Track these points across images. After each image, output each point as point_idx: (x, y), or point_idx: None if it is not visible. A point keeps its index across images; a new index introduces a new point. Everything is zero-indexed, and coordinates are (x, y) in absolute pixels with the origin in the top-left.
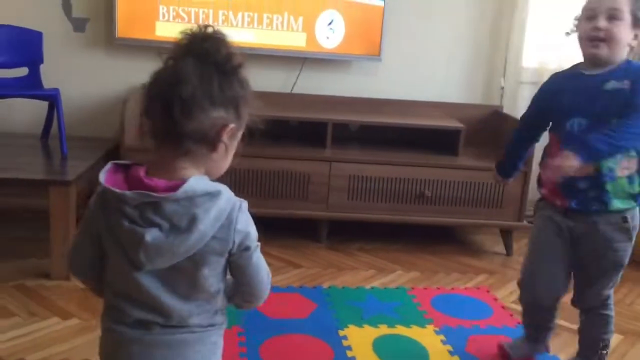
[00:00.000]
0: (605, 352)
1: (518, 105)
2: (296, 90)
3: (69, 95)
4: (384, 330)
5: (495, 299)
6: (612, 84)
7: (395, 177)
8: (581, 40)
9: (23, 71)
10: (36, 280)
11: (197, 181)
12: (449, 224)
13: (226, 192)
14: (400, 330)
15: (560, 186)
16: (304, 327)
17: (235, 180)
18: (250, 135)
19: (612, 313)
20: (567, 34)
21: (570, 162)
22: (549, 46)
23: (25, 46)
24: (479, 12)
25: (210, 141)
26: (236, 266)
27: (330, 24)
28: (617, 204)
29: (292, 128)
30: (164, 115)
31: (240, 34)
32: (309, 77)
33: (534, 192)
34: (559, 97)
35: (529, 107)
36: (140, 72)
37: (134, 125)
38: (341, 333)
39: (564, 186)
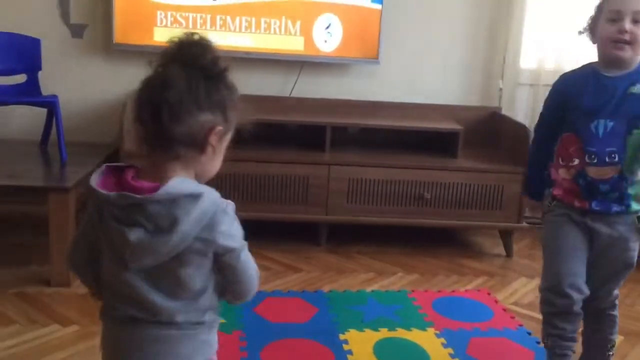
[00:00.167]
0: (612, 353)
1: (516, 107)
2: (294, 94)
3: (67, 102)
4: (384, 333)
5: (496, 301)
6: (636, 88)
7: (394, 179)
8: (604, 41)
9: (21, 78)
10: (36, 287)
11: (178, 183)
12: (449, 226)
13: (210, 194)
14: (401, 333)
15: (582, 188)
16: (305, 332)
17: (234, 184)
18: (249, 139)
19: (618, 313)
20: (580, 32)
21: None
22: (547, 47)
23: (23, 53)
24: (477, 13)
25: (199, 144)
26: (225, 266)
27: (327, 27)
28: (635, 206)
29: (290, 132)
30: (153, 120)
31: (238, 38)
32: (307, 81)
33: None
34: (578, 97)
35: (543, 114)
36: (138, 77)
37: (133, 131)
38: (342, 337)
39: (584, 188)
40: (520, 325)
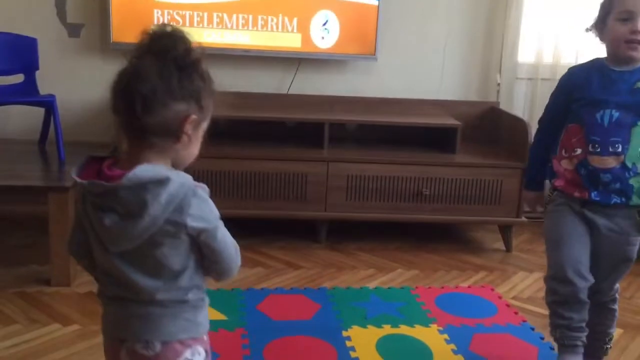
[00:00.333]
0: (609, 346)
1: (514, 101)
2: (292, 91)
3: (65, 101)
4: (387, 330)
5: (500, 297)
6: None
7: (393, 175)
8: (616, 42)
9: (19, 78)
10: (36, 287)
11: (145, 168)
12: (448, 222)
13: (178, 179)
14: (404, 330)
15: (583, 177)
16: (308, 329)
17: (232, 182)
18: (248, 136)
19: (617, 307)
20: (587, 30)
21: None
22: (544, 41)
23: (20, 53)
24: (474, 8)
25: (174, 133)
26: (203, 245)
27: (325, 24)
28: (636, 200)
29: (289, 129)
30: (128, 111)
31: (235, 36)
32: (304, 78)
33: None
34: (586, 89)
35: (549, 106)
36: None
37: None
38: (345, 334)
39: (586, 177)
40: (524, 321)
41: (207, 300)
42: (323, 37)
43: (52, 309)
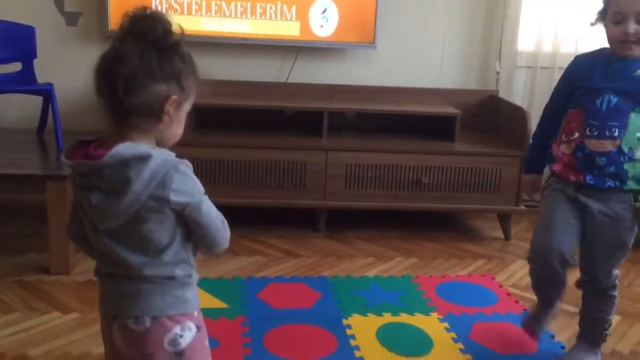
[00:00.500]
0: (608, 332)
1: (514, 90)
2: (291, 80)
3: (63, 90)
4: (387, 318)
5: (500, 286)
6: None
7: (392, 164)
8: (612, 41)
9: (16, 66)
10: (36, 275)
11: (127, 146)
12: (447, 210)
13: (160, 155)
14: (404, 318)
15: (580, 160)
16: (308, 317)
17: (231, 171)
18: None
19: (617, 294)
20: (592, 24)
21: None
22: (544, 29)
23: (18, 41)
24: None
25: (155, 114)
26: (189, 219)
27: (323, 12)
28: (631, 184)
29: (288, 118)
30: (110, 93)
31: (233, 24)
32: (303, 66)
33: None
34: (589, 76)
35: (554, 93)
36: None
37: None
38: (345, 322)
39: (582, 160)
40: (525, 310)
41: (195, 277)
42: (322, 26)
43: (51, 297)
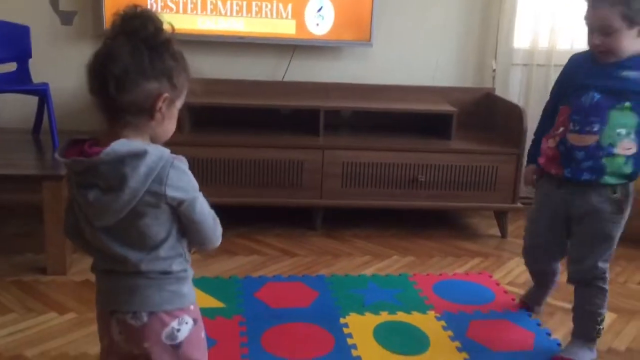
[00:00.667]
0: (601, 327)
1: (510, 87)
2: (287, 78)
3: (58, 89)
4: (385, 317)
5: (497, 284)
6: (629, 73)
7: (388, 162)
8: (590, 47)
9: (11, 66)
10: (32, 276)
11: (122, 143)
12: (443, 208)
13: (156, 151)
14: (401, 317)
15: (561, 154)
16: (306, 316)
17: (228, 170)
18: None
19: (607, 287)
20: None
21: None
22: (540, 27)
23: (12, 41)
24: None
25: (147, 111)
26: (182, 216)
27: (319, 10)
28: (608, 179)
29: (284, 116)
30: (103, 91)
31: (229, 23)
32: (299, 65)
33: None
34: (578, 74)
35: (552, 90)
36: None
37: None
38: (342, 321)
39: (563, 154)
40: (521, 307)
41: (190, 272)
42: (318, 24)
43: (48, 297)
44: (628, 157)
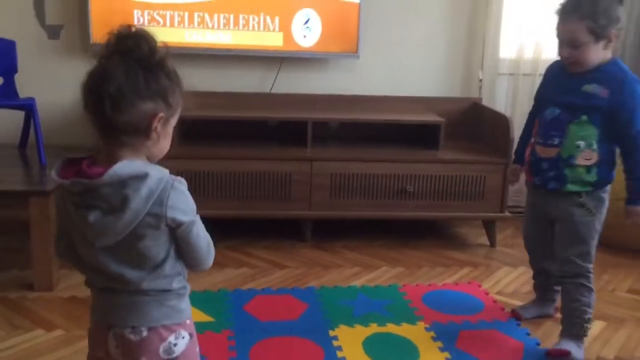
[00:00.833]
0: (588, 325)
1: (497, 97)
2: (275, 90)
3: (45, 104)
4: (374, 328)
5: (487, 293)
6: (591, 87)
7: (376, 173)
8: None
9: None
10: (19, 292)
11: (124, 165)
12: (432, 218)
13: (157, 173)
14: (391, 328)
15: (532, 164)
16: (295, 329)
17: (216, 182)
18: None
19: (592, 286)
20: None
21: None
22: (525, 36)
23: None
24: (455, 4)
25: (143, 131)
26: (179, 237)
27: (306, 22)
28: (571, 187)
29: (272, 128)
30: (98, 111)
31: (216, 35)
32: (287, 77)
33: None
34: (547, 86)
35: (535, 97)
36: None
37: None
38: (332, 333)
39: (533, 164)
40: (510, 317)
41: (188, 288)
42: (305, 36)
43: (35, 314)
44: (590, 166)
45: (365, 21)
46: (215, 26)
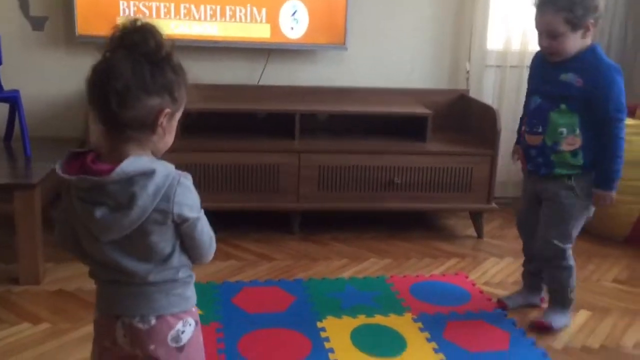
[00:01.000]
0: (572, 296)
1: (484, 89)
2: (262, 82)
3: (30, 96)
4: (362, 320)
5: (474, 284)
6: (567, 77)
7: (364, 165)
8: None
9: None
10: (4, 286)
11: (131, 162)
12: (419, 210)
13: (163, 170)
14: (379, 319)
15: (524, 151)
16: (283, 321)
17: (204, 174)
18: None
19: (572, 263)
20: None
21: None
22: (512, 29)
23: None
24: None
25: (149, 126)
26: (183, 233)
27: (293, 14)
28: (559, 171)
29: (259, 120)
30: (103, 106)
31: (203, 27)
32: (275, 69)
33: (501, 174)
34: (532, 76)
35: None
36: None
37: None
38: (320, 325)
39: (525, 151)
40: (497, 307)
41: (194, 276)
42: (292, 27)
43: (20, 308)
44: (575, 150)
45: (352, 13)
46: (202, 18)
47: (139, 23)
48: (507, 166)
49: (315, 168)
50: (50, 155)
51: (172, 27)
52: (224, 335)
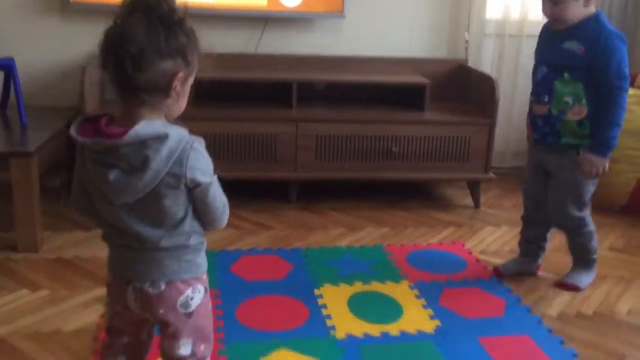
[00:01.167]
0: (595, 255)
1: (483, 58)
2: (259, 51)
3: (25, 64)
4: (359, 287)
5: (470, 252)
6: (569, 44)
7: (362, 134)
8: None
9: None
10: (3, 253)
11: (144, 125)
12: (417, 179)
13: (176, 134)
14: (375, 287)
15: (532, 120)
16: (280, 288)
17: None
18: (216, 97)
19: (593, 228)
20: None
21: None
22: None
23: None
24: None
25: (163, 90)
26: (196, 198)
27: None
28: (566, 140)
29: (257, 89)
30: (118, 71)
31: None
32: (272, 37)
33: (499, 144)
34: (539, 46)
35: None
36: (98, 37)
37: (94, 93)
38: (317, 292)
39: (532, 121)
40: (492, 275)
41: (205, 243)
42: None
43: (19, 275)
44: (581, 120)
45: None
46: None
47: None
48: (506, 136)
49: (313, 137)
50: (46, 124)
51: None
52: (222, 302)
